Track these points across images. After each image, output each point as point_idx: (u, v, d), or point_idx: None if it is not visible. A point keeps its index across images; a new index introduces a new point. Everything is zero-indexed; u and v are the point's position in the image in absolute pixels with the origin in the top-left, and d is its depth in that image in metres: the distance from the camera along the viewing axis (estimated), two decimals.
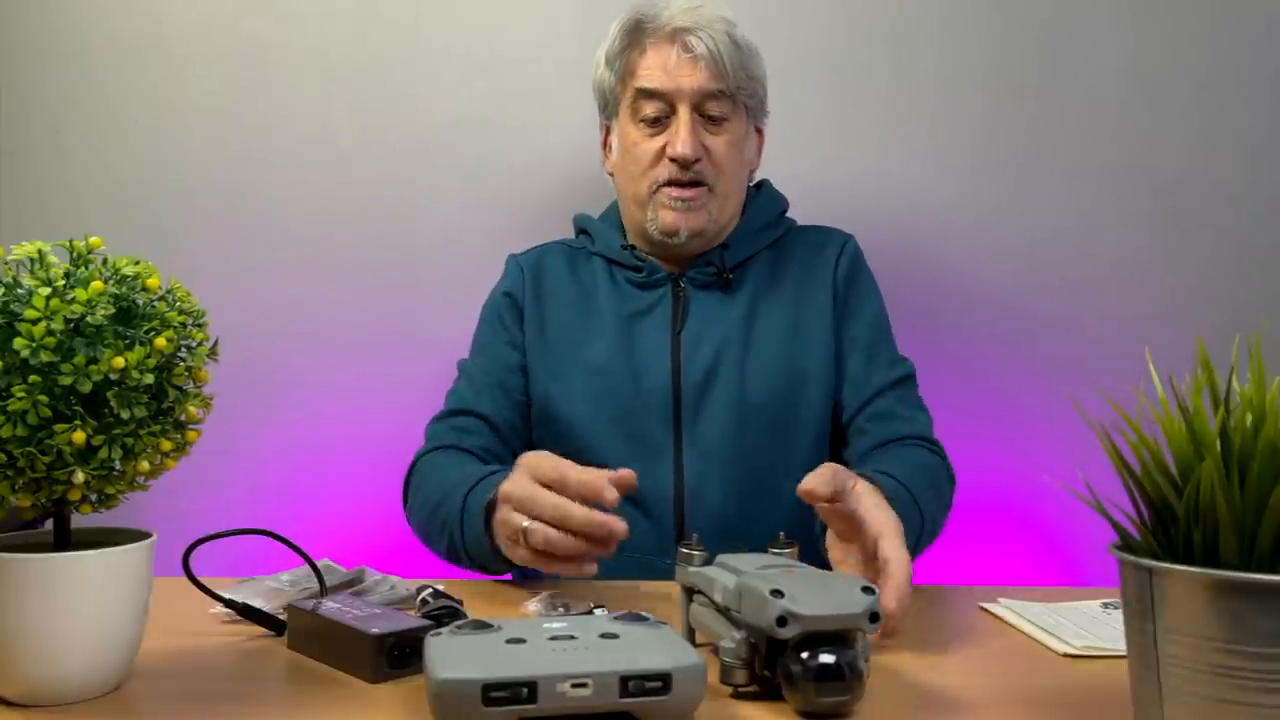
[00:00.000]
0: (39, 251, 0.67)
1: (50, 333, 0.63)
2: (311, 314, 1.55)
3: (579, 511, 0.83)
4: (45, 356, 0.62)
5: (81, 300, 0.64)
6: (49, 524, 0.71)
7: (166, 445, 0.69)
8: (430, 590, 0.86)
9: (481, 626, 0.67)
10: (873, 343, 1.22)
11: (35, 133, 1.58)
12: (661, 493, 1.16)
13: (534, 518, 0.85)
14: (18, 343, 0.62)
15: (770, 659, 0.67)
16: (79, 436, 0.64)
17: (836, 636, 0.64)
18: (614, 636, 0.65)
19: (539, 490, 0.86)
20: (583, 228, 1.33)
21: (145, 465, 0.68)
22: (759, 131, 1.30)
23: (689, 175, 1.19)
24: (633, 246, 1.27)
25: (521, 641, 0.64)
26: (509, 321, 1.26)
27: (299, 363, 1.55)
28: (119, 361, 0.64)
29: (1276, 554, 0.52)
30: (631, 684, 0.60)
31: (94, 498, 0.69)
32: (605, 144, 1.31)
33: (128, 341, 0.66)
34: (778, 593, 0.65)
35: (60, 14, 1.57)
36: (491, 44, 1.55)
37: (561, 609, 0.90)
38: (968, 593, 1.03)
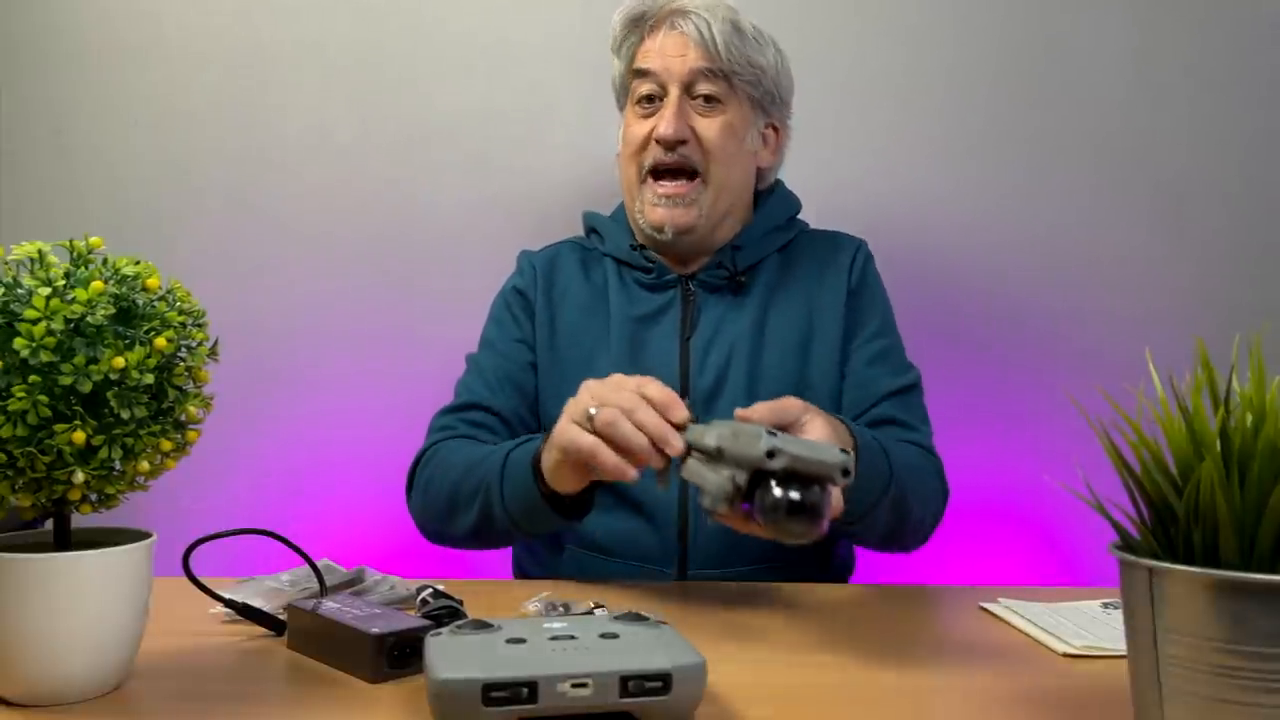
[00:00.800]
0: (39, 251, 0.67)
1: (50, 333, 0.63)
2: (312, 313, 1.55)
3: (650, 412, 0.86)
4: (45, 356, 0.62)
5: (82, 300, 0.64)
6: (49, 524, 0.71)
7: (166, 445, 0.69)
8: (430, 590, 0.86)
9: (481, 626, 0.67)
10: (881, 349, 1.20)
11: (37, 132, 1.58)
12: (666, 500, 1.15)
13: (608, 406, 0.88)
14: (18, 343, 0.62)
15: (750, 493, 0.73)
16: (79, 436, 0.64)
17: (810, 479, 0.71)
18: (614, 636, 0.65)
19: (625, 379, 0.90)
20: (593, 226, 1.31)
21: (145, 465, 0.68)
22: (774, 129, 1.27)
23: (674, 158, 1.17)
24: (642, 247, 1.24)
25: (522, 641, 0.64)
26: (521, 318, 1.25)
27: (300, 362, 1.55)
28: (119, 361, 0.64)
29: (1276, 554, 0.52)
30: (631, 684, 0.60)
31: (94, 498, 0.69)
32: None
33: (128, 341, 0.66)
34: (770, 431, 0.71)
35: (62, 14, 1.58)
36: (493, 37, 1.55)
37: (561, 609, 0.90)
38: (968, 593, 1.03)
